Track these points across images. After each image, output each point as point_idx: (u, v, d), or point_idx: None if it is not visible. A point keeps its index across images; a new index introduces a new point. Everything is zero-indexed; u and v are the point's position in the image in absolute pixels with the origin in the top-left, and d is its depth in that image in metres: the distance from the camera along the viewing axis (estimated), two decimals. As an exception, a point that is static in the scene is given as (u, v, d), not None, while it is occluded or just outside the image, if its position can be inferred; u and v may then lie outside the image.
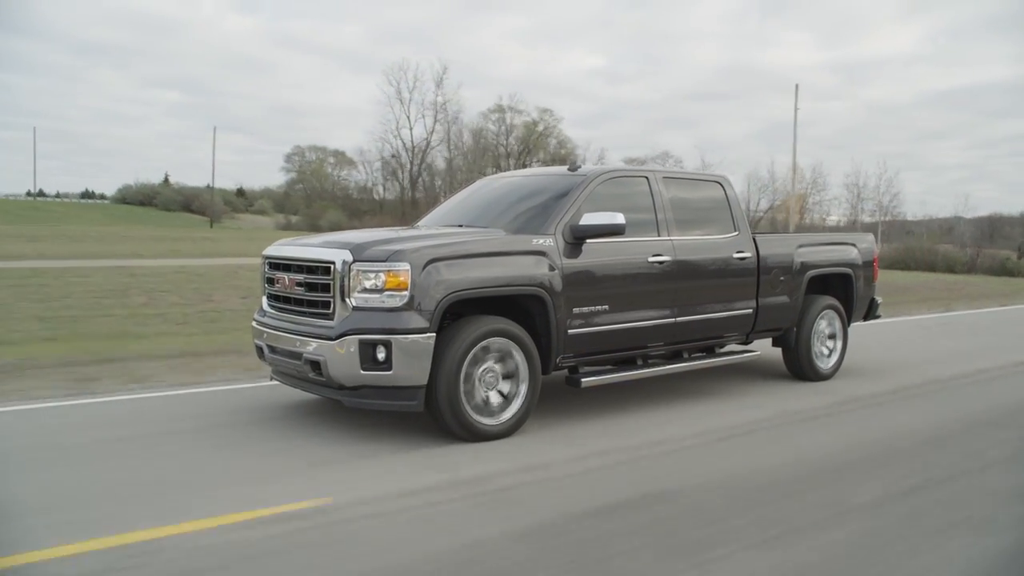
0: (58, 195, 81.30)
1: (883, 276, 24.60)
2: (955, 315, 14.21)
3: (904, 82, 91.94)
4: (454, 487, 4.11)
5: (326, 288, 4.91)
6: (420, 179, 64.57)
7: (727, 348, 7.11)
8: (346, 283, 4.77)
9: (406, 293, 4.69)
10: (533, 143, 63.49)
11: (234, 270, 18.77)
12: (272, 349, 5.31)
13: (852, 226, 46.18)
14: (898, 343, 10.06)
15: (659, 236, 6.07)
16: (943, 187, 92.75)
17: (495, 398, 5.09)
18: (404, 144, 64.06)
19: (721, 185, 6.91)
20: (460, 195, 7.17)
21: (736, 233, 6.72)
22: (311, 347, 4.87)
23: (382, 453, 4.71)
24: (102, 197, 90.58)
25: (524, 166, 57.40)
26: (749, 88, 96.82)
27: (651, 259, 5.91)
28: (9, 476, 4.25)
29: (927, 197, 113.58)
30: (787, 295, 7.01)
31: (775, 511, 3.87)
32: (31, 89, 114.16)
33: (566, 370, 5.68)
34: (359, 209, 60.92)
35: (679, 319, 6.11)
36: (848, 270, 7.63)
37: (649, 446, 5.00)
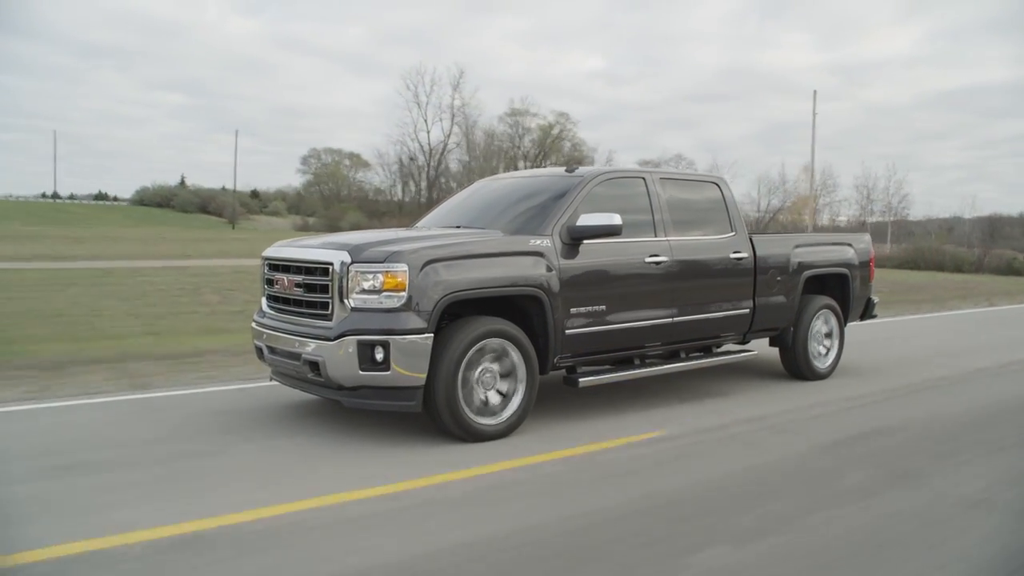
0: (71, 197, 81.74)
1: (902, 275, 25.94)
2: (997, 310, 15.17)
3: (903, 83, 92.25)
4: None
5: (325, 289, 4.95)
6: (437, 181, 64.89)
7: (724, 348, 7.15)
8: (344, 284, 4.81)
9: (404, 294, 4.72)
10: (549, 146, 63.80)
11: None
12: (271, 350, 5.34)
13: (862, 227, 46.66)
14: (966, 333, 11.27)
15: (656, 237, 6.11)
16: (942, 188, 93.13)
17: (493, 398, 5.12)
18: (421, 147, 64.70)
19: (718, 186, 6.94)
20: (459, 196, 7.21)
21: (733, 233, 6.75)
22: (310, 348, 4.91)
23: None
24: (115, 199, 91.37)
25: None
26: (749, 89, 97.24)
27: (648, 259, 5.94)
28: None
29: (926, 198, 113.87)
30: (784, 295, 7.05)
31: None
32: (34, 91, 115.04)
33: (564, 370, 5.72)
34: (378, 210, 61.34)
35: (676, 319, 6.14)
36: (845, 270, 7.67)
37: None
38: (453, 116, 63.39)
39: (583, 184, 5.83)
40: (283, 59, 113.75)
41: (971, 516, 3.83)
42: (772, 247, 7.06)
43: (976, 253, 35.35)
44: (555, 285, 5.33)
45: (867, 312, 8.09)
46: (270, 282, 5.52)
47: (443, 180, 64.96)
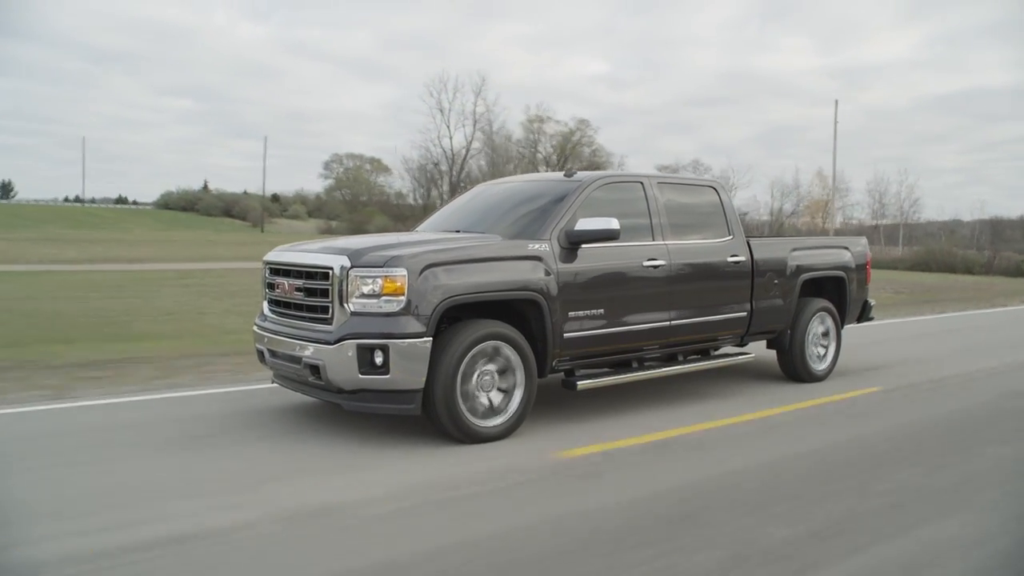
0: (93, 201, 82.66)
1: (916, 276, 27.17)
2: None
3: (902, 87, 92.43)
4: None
5: (325, 293, 4.99)
6: (459, 186, 65.30)
7: (722, 350, 7.19)
8: (344, 288, 4.86)
9: (403, 298, 4.77)
10: (569, 151, 64.26)
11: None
12: (272, 353, 5.39)
13: (875, 230, 47.63)
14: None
15: (654, 240, 6.15)
16: (940, 191, 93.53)
17: (491, 401, 5.16)
18: (445, 152, 65.37)
19: (715, 190, 6.99)
20: (459, 200, 7.26)
21: (730, 237, 6.80)
22: (310, 351, 4.95)
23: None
24: (134, 203, 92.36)
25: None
26: (749, 93, 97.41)
27: (646, 263, 5.99)
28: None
29: (924, 200, 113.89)
30: (781, 298, 7.09)
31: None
32: (46, 96, 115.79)
33: (562, 373, 5.76)
34: (402, 214, 61.87)
35: (674, 322, 6.18)
36: (841, 273, 7.71)
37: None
38: (475, 122, 64.20)
39: (581, 188, 5.88)
40: (291, 64, 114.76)
41: None
42: (769, 251, 7.11)
43: (986, 255, 36.21)
44: (553, 289, 5.37)
45: (864, 314, 8.14)
46: (271, 286, 5.57)
47: (464, 185, 65.45)
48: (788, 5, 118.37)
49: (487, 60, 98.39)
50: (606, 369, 6.03)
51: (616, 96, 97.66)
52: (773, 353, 7.51)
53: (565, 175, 6.27)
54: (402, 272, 4.78)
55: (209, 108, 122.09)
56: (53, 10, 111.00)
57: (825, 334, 7.58)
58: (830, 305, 7.60)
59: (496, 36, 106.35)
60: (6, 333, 9.37)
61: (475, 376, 5.05)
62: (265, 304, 5.72)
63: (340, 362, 4.78)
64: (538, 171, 60.47)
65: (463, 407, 4.96)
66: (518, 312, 5.37)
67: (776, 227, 53.37)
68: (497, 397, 5.19)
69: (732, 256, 6.69)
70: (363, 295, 4.82)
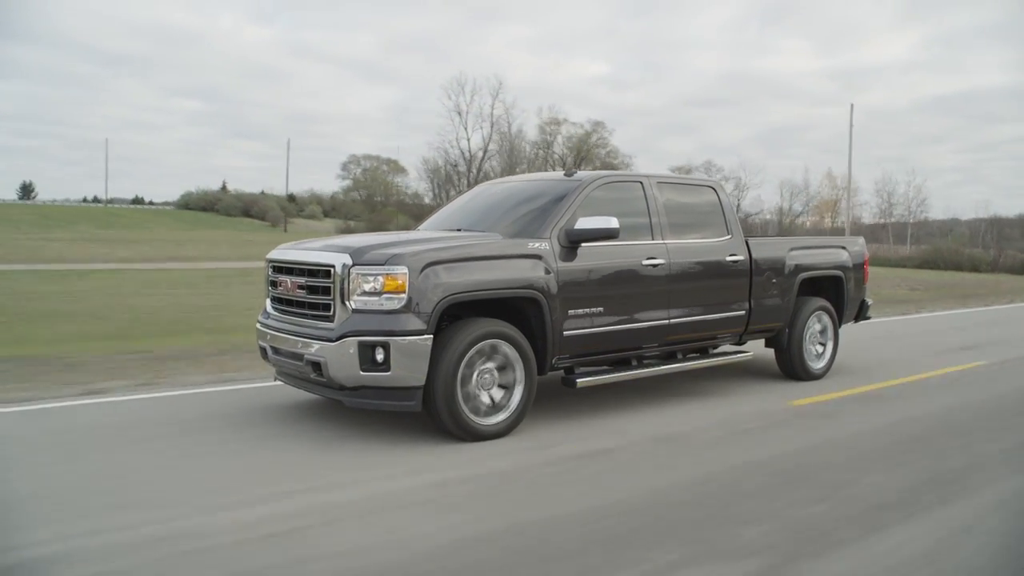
0: (111, 201, 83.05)
1: (925, 274, 28.16)
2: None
3: (900, 88, 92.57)
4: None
5: (327, 291, 5.04)
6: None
7: (720, 349, 7.24)
8: (346, 286, 4.90)
9: (404, 296, 4.82)
10: (586, 153, 64.51)
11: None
12: (275, 350, 5.44)
13: (883, 229, 48.27)
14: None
15: (653, 240, 6.20)
16: (938, 190, 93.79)
17: (491, 398, 5.21)
18: (463, 154, 65.70)
19: (714, 190, 7.04)
20: (460, 200, 7.30)
21: (729, 236, 6.84)
22: (312, 348, 5.00)
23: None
24: (150, 203, 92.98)
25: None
26: (749, 94, 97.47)
27: (645, 262, 6.03)
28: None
29: (930, 199, 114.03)
30: (779, 297, 7.14)
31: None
32: (56, 99, 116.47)
33: (562, 371, 5.81)
34: (422, 214, 62.28)
35: (673, 321, 6.23)
36: (839, 273, 7.77)
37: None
38: (493, 124, 64.59)
39: (581, 188, 5.92)
40: (296, 66, 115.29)
41: None
42: (768, 250, 7.15)
43: (992, 254, 37.14)
44: (553, 287, 5.42)
45: (861, 314, 8.19)
46: (274, 284, 5.62)
47: (482, 185, 65.82)
48: (787, 7, 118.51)
49: (491, 63, 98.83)
50: (605, 367, 6.08)
51: (617, 97, 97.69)
52: (772, 352, 7.56)
53: (565, 174, 6.31)
54: (403, 270, 4.83)
55: (217, 109, 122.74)
56: (61, 14, 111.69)
57: (823, 332, 7.63)
58: (828, 304, 7.65)
59: (499, 39, 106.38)
60: (121, 328, 10.07)
61: (475, 374, 5.08)
62: (268, 302, 5.77)
63: (341, 359, 4.83)
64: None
65: (463, 405, 5.00)
66: (518, 310, 5.42)
67: (786, 228, 53.92)
68: (498, 394, 5.23)
69: (731, 255, 6.74)
70: (364, 293, 4.87)
